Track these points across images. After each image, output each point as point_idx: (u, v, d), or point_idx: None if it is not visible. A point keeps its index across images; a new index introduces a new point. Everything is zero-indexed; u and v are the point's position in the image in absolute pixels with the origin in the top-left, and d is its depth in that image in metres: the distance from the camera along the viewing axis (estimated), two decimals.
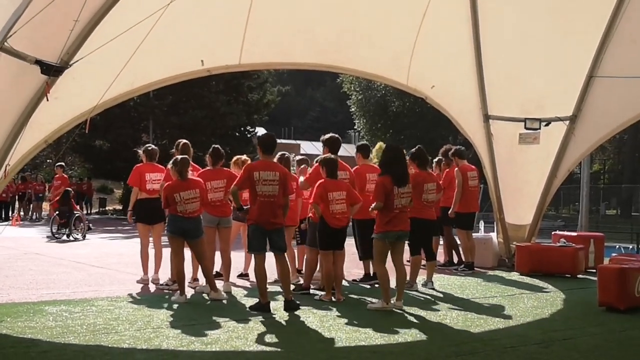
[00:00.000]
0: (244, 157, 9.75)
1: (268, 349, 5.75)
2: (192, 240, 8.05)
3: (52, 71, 6.95)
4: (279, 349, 5.74)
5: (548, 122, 11.49)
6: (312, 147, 50.56)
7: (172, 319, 6.90)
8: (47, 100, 7.18)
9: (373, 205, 7.68)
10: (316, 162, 8.60)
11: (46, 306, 7.38)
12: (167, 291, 8.62)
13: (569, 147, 11.66)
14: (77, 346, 5.73)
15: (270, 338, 6.10)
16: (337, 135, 9.02)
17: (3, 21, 6.17)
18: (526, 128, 11.55)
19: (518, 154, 11.93)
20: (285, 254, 7.78)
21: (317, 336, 6.21)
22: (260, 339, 6.04)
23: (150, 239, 9.25)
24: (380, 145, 40.64)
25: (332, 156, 8.31)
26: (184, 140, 9.02)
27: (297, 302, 7.51)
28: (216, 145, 8.74)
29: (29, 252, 12.83)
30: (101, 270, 10.83)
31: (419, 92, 12.07)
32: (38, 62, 6.79)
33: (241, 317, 7.03)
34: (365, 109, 53.66)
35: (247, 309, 7.46)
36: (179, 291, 7.98)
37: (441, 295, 8.79)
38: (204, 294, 8.33)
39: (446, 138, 55.17)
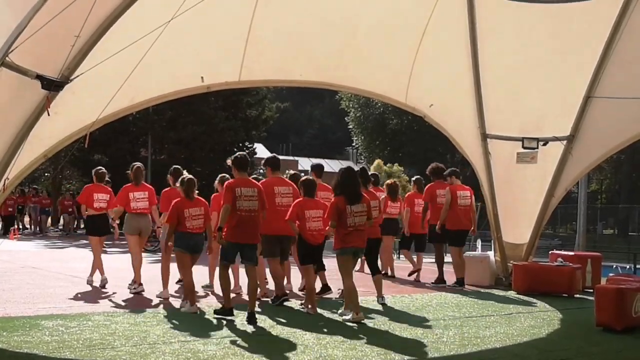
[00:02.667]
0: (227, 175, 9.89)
1: None
2: (196, 255, 8.57)
3: (52, 86, 6.98)
4: None
5: (546, 141, 11.55)
6: (310, 164, 50.73)
7: (168, 334, 6.89)
8: (48, 114, 7.21)
9: (329, 224, 8.13)
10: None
11: (42, 320, 7.36)
12: (132, 293, 9.63)
13: (567, 166, 11.71)
14: None
15: (266, 355, 6.08)
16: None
17: (5, 36, 6.20)
18: (524, 147, 11.62)
19: (516, 173, 11.97)
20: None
21: (313, 354, 6.20)
22: (256, 356, 6.03)
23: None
24: (378, 162, 40.72)
25: (311, 178, 9.21)
26: (182, 172, 9.34)
27: (256, 318, 7.75)
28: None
29: (26, 265, 12.81)
30: (98, 284, 10.78)
31: (418, 111, 12.13)
32: (39, 77, 6.82)
33: (237, 334, 7.02)
34: (364, 126, 53.84)
35: (213, 313, 8.09)
36: (189, 302, 8.38)
37: (438, 314, 8.78)
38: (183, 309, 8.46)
39: (444, 156, 55.38)
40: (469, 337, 7.22)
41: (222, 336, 6.87)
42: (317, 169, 10.43)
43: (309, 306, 8.57)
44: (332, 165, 53.52)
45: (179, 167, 9.87)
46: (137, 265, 9.99)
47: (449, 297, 10.44)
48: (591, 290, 9.81)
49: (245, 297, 8.78)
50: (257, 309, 8.02)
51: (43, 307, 8.33)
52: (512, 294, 11.02)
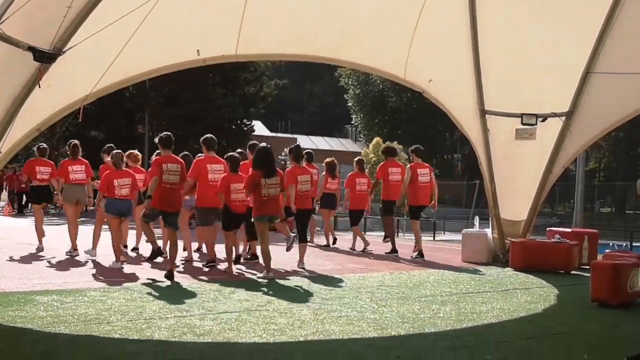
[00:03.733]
0: (136, 151, 11.69)
1: (261, 340, 5.72)
2: (124, 218, 10.18)
3: (44, 58, 6.87)
4: (272, 341, 5.71)
5: (544, 117, 11.47)
6: (309, 142, 50.49)
7: (164, 310, 6.87)
8: (39, 87, 7.11)
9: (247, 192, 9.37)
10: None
11: (37, 296, 7.33)
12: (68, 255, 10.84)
13: (565, 143, 11.66)
14: (68, 336, 5.69)
15: (263, 330, 6.06)
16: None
17: None
18: (523, 124, 11.55)
19: (514, 150, 11.91)
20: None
21: (310, 329, 6.18)
22: (253, 331, 6.01)
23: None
24: (377, 140, 40.62)
25: (235, 155, 10.15)
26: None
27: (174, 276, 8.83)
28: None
29: (21, 242, 12.77)
30: (93, 260, 10.76)
31: (416, 86, 12.05)
32: (31, 48, 6.71)
33: (234, 309, 7.00)
34: (363, 104, 53.66)
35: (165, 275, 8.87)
36: (116, 259, 9.88)
37: (435, 290, 8.77)
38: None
39: (443, 133, 55.41)
40: (466, 313, 7.21)
41: (219, 311, 6.85)
42: (296, 151, 10.67)
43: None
44: (331, 144, 53.39)
45: (112, 145, 11.54)
46: (73, 232, 11.14)
47: (446, 274, 10.44)
48: (588, 267, 9.81)
49: (221, 266, 10.03)
50: (259, 277, 8.01)
51: (38, 283, 8.30)
52: (509, 270, 11.02)
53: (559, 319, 7.27)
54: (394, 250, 12.73)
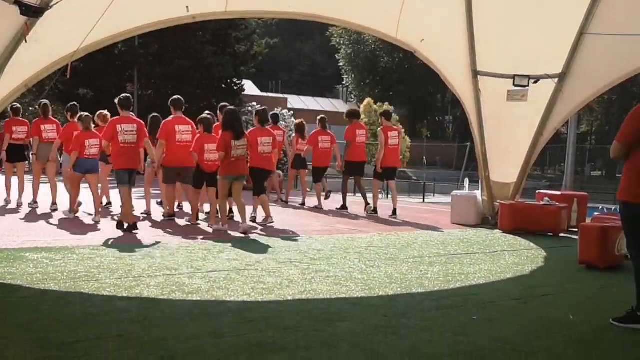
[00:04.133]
0: (105, 111, 12.07)
1: (249, 299, 5.75)
2: (89, 175, 10.68)
3: (31, 12, 6.72)
4: (259, 300, 5.75)
5: (537, 79, 11.41)
6: (300, 102, 50.24)
7: (153, 268, 6.88)
8: (26, 42, 6.99)
9: (219, 153, 9.70)
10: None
11: (27, 253, 7.33)
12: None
13: (557, 105, 11.63)
14: (57, 292, 5.70)
15: (251, 289, 6.10)
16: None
17: None
18: (515, 85, 11.47)
19: (505, 111, 11.88)
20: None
21: (298, 288, 6.22)
22: (241, 290, 6.04)
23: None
24: (368, 101, 40.44)
25: (209, 117, 10.66)
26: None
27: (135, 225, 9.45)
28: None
29: (12, 199, 12.71)
30: (84, 218, 10.75)
31: (408, 46, 11.93)
32: (17, 2, 6.57)
33: (222, 268, 7.03)
34: (354, 64, 53.30)
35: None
36: (71, 211, 10.71)
37: (423, 252, 8.83)
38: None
39: (434, 95, 55.30)
40: (453, 274, 7.27)
41: (208, 270, 6.88)
42: (262, 114, 10.92)
43: (219, 224, 10.05)
44: (322, 104, 53.12)
45: (75, 103, 12.02)
46: (36, 187, 12.08)
47: (434, 235, 10.50)
48: (576, 230, 9.88)
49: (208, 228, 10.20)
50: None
51: (28, 240, 8.30)
52: (497, 232, 11.10)
53: (546, 280, 7.35)
54: (344, 207, 13.57)
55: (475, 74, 11.78)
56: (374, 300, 5.92)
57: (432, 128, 58.82)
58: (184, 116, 10.87)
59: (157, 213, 11.48)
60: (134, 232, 9.29)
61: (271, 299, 5.79)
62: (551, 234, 10.95)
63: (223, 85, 33.09)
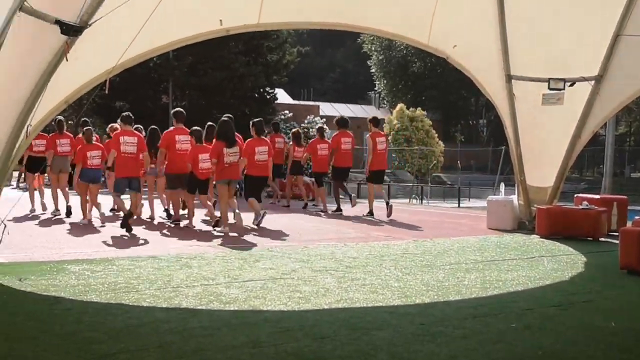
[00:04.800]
0: (116, 124, 12.74)
1: (286, 308, 5.79)
2: (93, 184, 11.53)
3: (71, 31, 6.92)
4: (296, 309, 5.78)
5: (573, 82, 11.27)
6: (332, 109, 50.29)
7: (191, 278, 6.97)
8: (67, 60, 7.16)
9: (212, 160, 10.58)
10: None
11: (69, 265, 7.49)
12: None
13: (594, 107, 11.46)
14: (98, 304, 5.82)
15: (288, 298, 6.14)
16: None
17: None
18: (550, 88, 11.35)
19: (541, 115, 11.76)
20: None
21: (334, 296, 6.24)
22: (278, 299, 6.09)
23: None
24: (401, 106, 40.32)
25: (198, 129, 11.32)
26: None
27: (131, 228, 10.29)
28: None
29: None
30: (122, 230, 10.94)
31: (440, 52, 11.90)
32: (58, 22, 6.76)
33: (259, 277, 7.09)
34: (386, 70, 53.23)
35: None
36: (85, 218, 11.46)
37: (460, 258, 8.78)
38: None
39: (468, 99, 54.87)
40: (491, 280, 7.22)
41: (244, 280, 6.95)
42: (258, 125, 11.88)
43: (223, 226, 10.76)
44: (354, 110, 53.09)
45: (86, 119, 13.89)
46: (55, 196, 12.88)
47: (471, 241, 10.43)
48: (616, 234, 9.72)
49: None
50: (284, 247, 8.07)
51: (69, 252, 8.48)
52: (535, 237, 10.98)
53: (587, 286, 7.24)
54: (338, 209, 14.18)
55: (509, 78, 11.69)
56: (411, 309, 5.91)
57: (466, 132, 58.37)
58: (184, 127, 11.74)
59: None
60: (129, 233, 10.24)
61: (308, 308, 5.83)
62: (590, 239, 10.78)
63: (256, 95, 33.36)
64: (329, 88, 65.80)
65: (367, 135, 13.73)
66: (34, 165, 13.08)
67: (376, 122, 14.07)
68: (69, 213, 12.44)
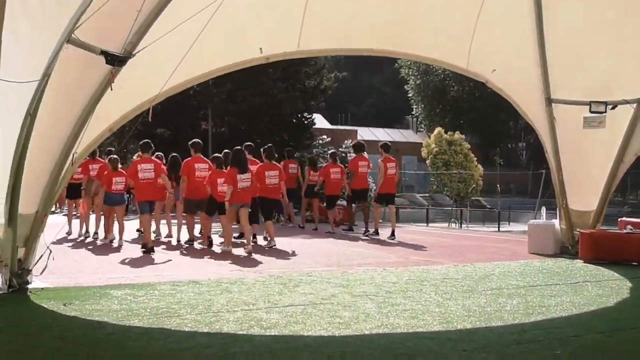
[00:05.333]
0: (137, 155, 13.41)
1: (326, 333, 5.79)
2: (117, 207, 12.46)
3: (116, 61, 7.13)
4: (336, 334, 5.78)
5: (614, 105, 11.11)
6: (370, 133, 50.32)
7: (232, 303, 7.03)
8: (112, 89, 7.37)
9: (226, 187, 11.23)
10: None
11: (111, 290, 7.62)
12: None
13: (637, 130, 11.25)
14: (141, 329, 5.90)
15: (328, 323, 6.14)
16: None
17: (70, 13, 6.34)
18: (591, 112, 11.19)
19: (582, 139, 11.59)
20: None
21: (374, 322, 6.22)
22: (318, 324, 6.09)
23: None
24: (439, 130, 40.15)
25: (219, 155, 12.13)
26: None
27: (152, 248, 11.17)
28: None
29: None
30: (163, 255, 11.11)
31: (479, 77, 11.89)
32: (103, 52, 6.98)
33: (299, 302, 7.10)
34: (424, 94, 53.13)
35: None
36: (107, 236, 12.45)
37: (501, 283, 8.67)
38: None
39: (507, 123, 54.34)
40: (534, 306, 7.11)
41: (284, 305, 6.97)
42: (249, 147, 12.82)
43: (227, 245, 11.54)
44: (392, 135, 53.02)
45: (111, 149, 14.84)
46: (88, 219, 13.66)
47: (512, 266, 10.29)
48: None
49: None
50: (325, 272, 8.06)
51: (112, 277, 8.62)
52: (578, 262, 10.78)
53: (634, 312, 7.09)
54: (350, 229, 15.19)
55: (549, 101, 11.59)
56: (452, 335, 5.86)
57: (505, 155, 57.70)
58: (202, 156, 12.67)
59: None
60: (151, 253, 10.89)
61: (348, 334, 5.81)
62: (635, 264, 10.54)
63: (294, 120, 33.55)
64: (367, 112, 65.87)
65: (379, 160, 14.31)
66: (72, 191, 13.83)
67: (387, 148, 14.61)
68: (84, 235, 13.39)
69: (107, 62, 7.03)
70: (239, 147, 11.89)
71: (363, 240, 13.94)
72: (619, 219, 12.46)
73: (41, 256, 7.80)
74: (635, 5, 10.41)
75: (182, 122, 31.48)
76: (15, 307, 6.76)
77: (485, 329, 6.08)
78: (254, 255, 11.01)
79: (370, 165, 15.03)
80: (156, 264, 10.07)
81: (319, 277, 8.94)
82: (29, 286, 7.53)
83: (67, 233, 13.61)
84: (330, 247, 12.60)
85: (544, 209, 13.63)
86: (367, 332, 5.89)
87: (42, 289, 7.55)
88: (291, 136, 31.73)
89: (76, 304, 6.82)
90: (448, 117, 52.09)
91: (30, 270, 7.63)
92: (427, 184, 42.96)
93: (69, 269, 9.17)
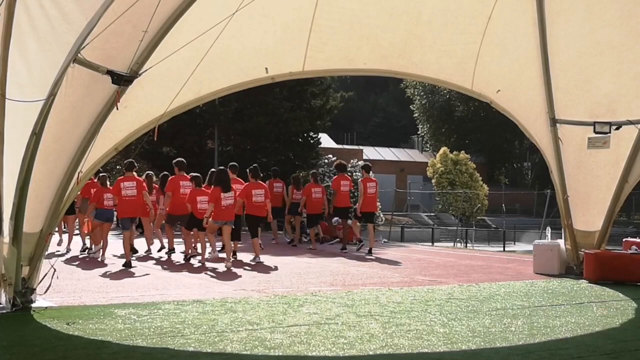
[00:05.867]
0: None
1: (330, 354, 5.77)
2: (107, 223, 12.95)
3: (122, 81, 7.20)
4: (341, 355, 5.76)
5: (619, 125, 11.12)
6: (375, 153, 50.42)
7: (236, 323, 7.01)
8: (117, 109, 7.43)
9: (209, 205, 11.83)
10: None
11: (115, 309, 7.61)
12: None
13: None
14: (145, 348, 5.89)
15: (332, 344, 6.12)
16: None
17: (77, 34, 6.41)
18: (595, 132, 11.22)
19: (587, 159, 11.61)
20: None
21: (379, 342, 6.20)
22: (322, 344, 6.07)
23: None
24: (444, 150, 40.19)
25: (198, 175, 12.75)
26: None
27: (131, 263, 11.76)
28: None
29: (99, 256, 13.28)
30: (167, 273, 11.11)
31: (484, 97, 11.93)
32: (109, 72, 7.04)
33: (303, 322, 7.08)
34: (429, 114, 53.27)
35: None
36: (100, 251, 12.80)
37: (506, 303, 8.63)
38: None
39: (512, 142, 54.42)
40: (538, 327, 7.07)
41: (289, 325, 6.95)
42: (232, 167, 13.29)
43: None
44: (397, 154, 53.12)
45: (101, 170, 13.88)
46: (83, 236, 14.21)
47: (517, 286, 10.25)
48: None
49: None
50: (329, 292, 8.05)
51: (116, 296, 8.62)
52: (583, 283, 10.73)
53: (638, 333, 7.04)
54: (344, 248, 15.33)
55: (554, 122, 11.61)
56: (457, 356, 5.83)
57: (510, 175, 57.69)
58: (186, 174, 13.20)
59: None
60: (129, 268, 11.41)
61: (352, 354, 5.79)
62: None
63: (300, 139, 33.64)
64: (372, 132, 66.02)
65: (359, 180, 15.27)
66: (71, 208, 13.91)
67: (367, 169, 15.58)
68: (84, 250, 13.81)
69: (113, 82, 7.10)
70: (223, 168, 12.63)
71: (367, 260, 13.91)
72: (624, 240, 12.43)
73: (45, 274, 7.82)
74: (634, 27, 10.46)
75: (188, 141, 31.60)
76: (19, 326, 6.76)
77: (490, 350, 6.05)
78: (257, 274, 11.00)
79: (352, 184, 16.04)
80: (161, 282, 10.06)
81: (324, 296, 8.91)
82: (33, 305, 7.53)
83: (66, 249, 14.08)
84: (336, 266, 12.58)
85: (549, 229, 13.62)
86: (372, 352, 5.87)
87: (46, 307, 7.56)
88: (297, 155, 31.80)
89: (80, 323, 6.82)
90: (453, 136, 52.18)
91: (34, 289, 7.64)
92: (432, 204, 42.94)
93: (73, 288, 9.18)
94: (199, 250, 12.73)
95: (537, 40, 10.99)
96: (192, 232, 12.82)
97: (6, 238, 6.95)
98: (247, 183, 13.25)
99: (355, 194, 16.87)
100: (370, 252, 14.50)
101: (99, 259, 12.57)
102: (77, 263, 12.44)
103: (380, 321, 7.22)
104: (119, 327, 6.69)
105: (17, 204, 6.84)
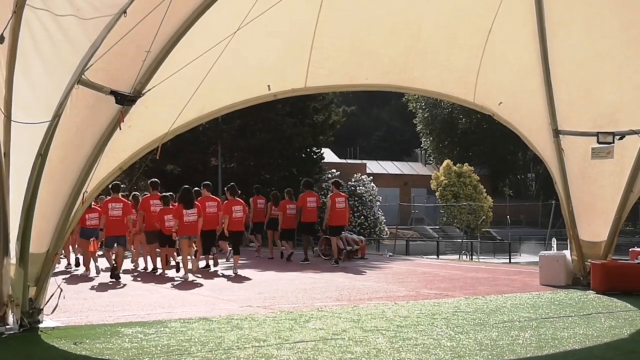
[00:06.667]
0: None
1: None
2: (93, 241, 13.95)
3: (125, 101, 7.25)
4: None
5: (622, 135, 11.12)
6: (378, 167, 50.44)
7: (242, 340, 7.00)
8: (121, 129, 7.48)
9: (174, 222, 12.93)
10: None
11: (122, 328, 7.61)
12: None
13: None
14: None
15: (339, 359, 6.10)
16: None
17: (80, 55, 6.48)
18: (599, 142, 11.21)
19: (591, 169, 11.60)
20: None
21: (385, 357, 6.18)
22: None
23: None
24: (447, 162, 40.21)
25: (167, 194, 14.03)
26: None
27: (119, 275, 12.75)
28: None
29: (105, 275, 13.30)
30: (173, 292, 11.10)
31: (486, 109, 11.96)
32: (113, 92, 7.10)
33: (310, 338, 7.07)
34: (432, 127, 53.38)
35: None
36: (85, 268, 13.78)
37: (513, 316, 8.60)
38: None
39: (515, 154, 54.43)
40: (546, 339, 7.05)
41: (295, 341, 6.94)
42: (208, 187, 14.82)
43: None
44: (400, 168, 53.13)
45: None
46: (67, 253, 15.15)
47: (524, 298, 10.22)
48: None
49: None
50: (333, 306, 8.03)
51: (122, 315, 8.62)
52: (590, 293, 10.69)
53: None
54: (305, 259, 16.09)
55: (557, 133, 11.63)
56: None
57: (515, 186, 57.64)
58: (158, 193, 14.21)
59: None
60: (118, 279, 12.34)
61: None
62: None
63: (303, 155, 33.71)
64: (376, 146, 66.11)
65: (328, 195, 16.30)
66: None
67: (337, 184, 16.73)
68: (77, 264, 14.84)
69: (116, 102, 7.15)
70: (187, 186, 13.69)
71: (372, 273, 13.90)
72: (631, 249, 12.38)
73: (52, 295, 7.83)
74: (636, 36, 10.50)
75: (191, 159, 31.70)
76: (27, 346, 6.77)
77: None
78: (261, 290, 10.98)
79: (319, 200, 17.13)
80: (167, 300, 10.06)
81: (330, 312, 8.90)
82: (40, 325, 7.54)
83: (65, 267, 14.81)
84: (341, 281, 12.57)
85: (554, 240, 13.58)
86: None
87: (53, 328, 7.57)
88: (300, 171, 31.85)
89: (87, 342, 6.82)
90: (456, 149, 52.22)
91: (42, 310, 7.65)
92: (437, 216, 42.89)
93: (79, 307, 9.19)
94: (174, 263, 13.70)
95: (538, 52, 11.04)
96: (159, 250, 13.81)
97: (13, 259, 6.97)
98: (226, 201, 14.44)
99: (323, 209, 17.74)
100: (336, 262, 15.61)
101: (89, 275, 13.33)
102: (92, 285, 12.44)
103: (387, 336, 7.20)
104: (126, 346, 6.68)
105: (23, 224, 6.87)
